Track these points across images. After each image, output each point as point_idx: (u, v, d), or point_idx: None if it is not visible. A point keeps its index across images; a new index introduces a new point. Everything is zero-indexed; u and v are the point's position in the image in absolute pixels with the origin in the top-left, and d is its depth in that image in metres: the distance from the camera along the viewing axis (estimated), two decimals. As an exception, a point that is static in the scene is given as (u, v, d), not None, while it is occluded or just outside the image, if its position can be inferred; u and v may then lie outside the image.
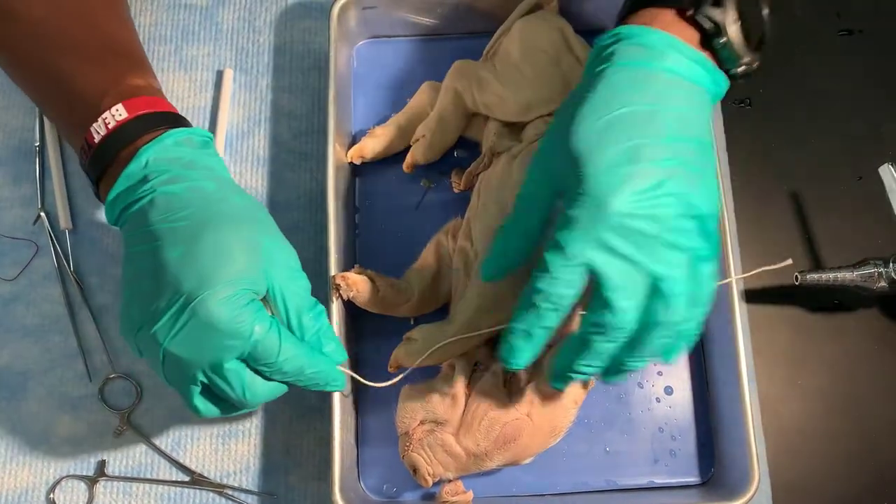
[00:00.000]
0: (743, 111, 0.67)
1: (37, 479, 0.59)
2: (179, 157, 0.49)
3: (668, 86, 0.45)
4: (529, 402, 0.53)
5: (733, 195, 0.64)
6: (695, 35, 0.47)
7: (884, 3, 0.70)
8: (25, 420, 0.61)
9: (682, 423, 0.59)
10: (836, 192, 0.65)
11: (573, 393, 0.54)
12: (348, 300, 0.56)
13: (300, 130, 0.66)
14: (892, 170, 0.60)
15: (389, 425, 0.56)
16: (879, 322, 0.63)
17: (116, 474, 0.60)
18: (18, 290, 0.63)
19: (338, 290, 0.56)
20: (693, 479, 0.58)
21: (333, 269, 0.56)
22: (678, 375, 0.60)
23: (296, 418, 0.60)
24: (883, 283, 0.58)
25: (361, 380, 0.52)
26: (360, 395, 0.59)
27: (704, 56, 0.47)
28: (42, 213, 0.64)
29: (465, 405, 0.53)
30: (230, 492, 0.59)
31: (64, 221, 0.64)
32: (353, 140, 0.65)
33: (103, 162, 0.50)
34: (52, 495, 0.59)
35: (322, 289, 0.55)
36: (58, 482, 0.59)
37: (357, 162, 0.63)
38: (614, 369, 0.47)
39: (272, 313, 0.48)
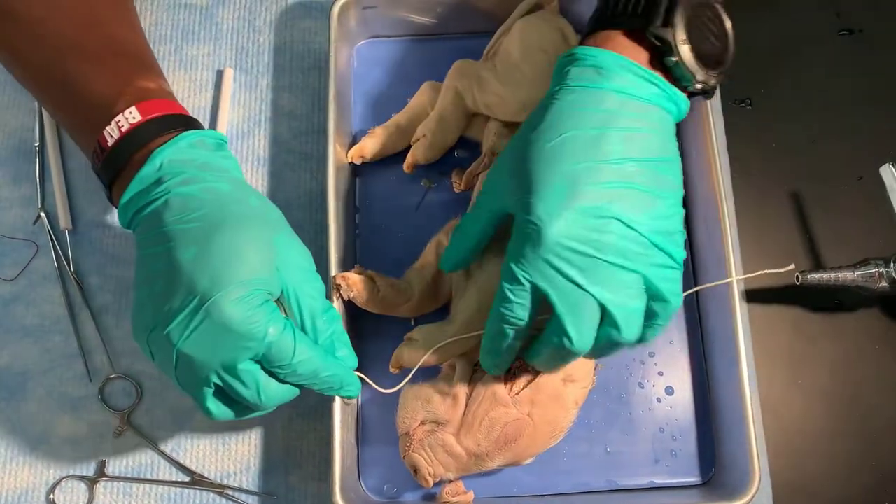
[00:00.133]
0: (744, 111, 0.67)
1: (37, 479, 0.59)
2: (194, 158, 0.49)
3: (619, 106, 0.45)
4: (530, 403, 0.53)
5: (734, 195, 0.64)
6: (647, 55, 0.47)
7: (884, 3, 0.70)
8: (25, 420, 0.61)
9: (682, 424, 0.59)
10: (836, 191, 0.65)
11: (574, 393, 0.54)
12: (348, 300, 0.56)
13: (300, 130, 0.66)
14: (893, 169, 0.60)
15: (390, 425, 0.56)
16: (880, 322, 0.63)
17: (116, 475, 0.59)
18: (18, 291, 0.63)
19: (338, 290, 0.56)
20: (694, 479, 0.58)
21: (334, 270, 0.56)
22: (679, 376, 0.60)
23: (296, 418, 0.60)
24: (884, 283, 0.58)
25: (374, 385, 0.52)
26: (360, 395, 0.59)
27: (657, 75, 0.46)
28: (42, 214, 0.64)
29: (466, 405, 0.53)
30: (230, 492, 0.59)
31: (64, 221, 0.64)
32: (354, 140, 0.65)
33: (116, 165, 0.50)
34: (52, 496, 0.59)
35: (322, 289, 0.55)
36: (58, 482, 0.59)
37: (357, 162, 0.63)
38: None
39: (286, 315, 0.48)
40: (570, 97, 0.46)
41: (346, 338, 0.51)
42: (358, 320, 0.59)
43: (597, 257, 0.43)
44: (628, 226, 0.44)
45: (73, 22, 0.53)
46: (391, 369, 0.55)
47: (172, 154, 0.49)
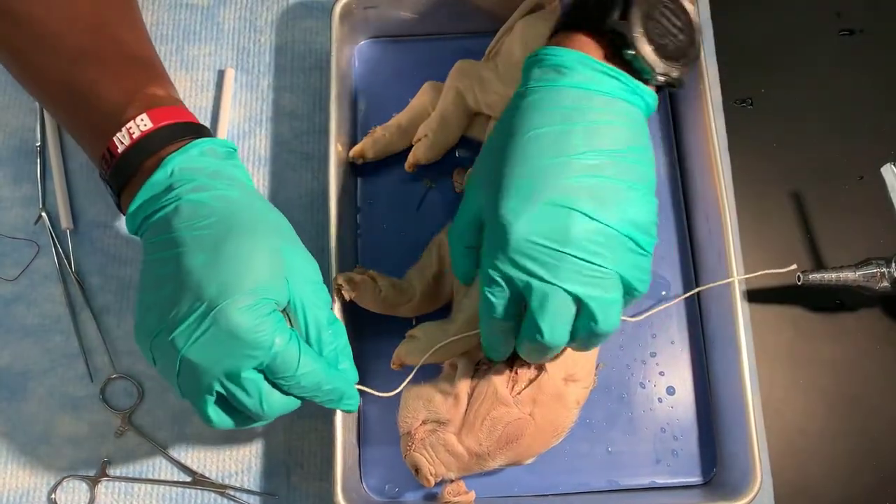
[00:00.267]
0: (744, 111, 0.67)
1: (38, 479, 0.59)
2: (205, 166, 0.49)
3: (579, 102, 0.45)
4: (532, 402, 0.53)
5: (735, 195, 0.64)
6: (608, 51, 0.47)
7: (884, 3, 0.70)
8: (26, 420, 0.60)
9: (684, 424, 0.59)
10: (837, 191, 0.65)
11: (576, 393, 0.54)
12: (350, 300, 0.56)
13: (301, 130, 0.66)
14: (894, 169, 0.60)
15: (391, 425, 0.56)
16: (882, 322, 0.63)
17: (118, 475, 0.59)
18: (19, 291, 0.63)
19: (339, 290, 0.56)
20: (695, 479, 0.58)
21: (335, 270, 0.56)
22: (680, 375, 0.60)
23: (297, 418, 0.60)
24: (885, 283, 0.58)
25: (374, 392, 0.52)
26: (361, 395, 0.59)
27: (617, 69, 0.46)
28: (43, 213, 0.64)
29: (468, 405, 0.53)
30: (232, 492, 0.59)
31: (65, 221, 0.64)
32: (355, 140, 0.65)
33: (127, 172, 0.49)
34: (53, 496, 0.59)
35: (324, 289, 0.55)
36: (59, 482, 0.59)
37: (358, 162, 0.63)
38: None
39: (291, 325, 0.48)
40: (532, 97, 0.47)
41: (350, 351, 0.51)
42: (359, 320, 0.59)
43: (562, 251, 0.43)
44: (592, 218, 0.44)
45: (78, 24, 0.53)
46: (393, 366, 0.55)
47: (184, 162, 0.49)
